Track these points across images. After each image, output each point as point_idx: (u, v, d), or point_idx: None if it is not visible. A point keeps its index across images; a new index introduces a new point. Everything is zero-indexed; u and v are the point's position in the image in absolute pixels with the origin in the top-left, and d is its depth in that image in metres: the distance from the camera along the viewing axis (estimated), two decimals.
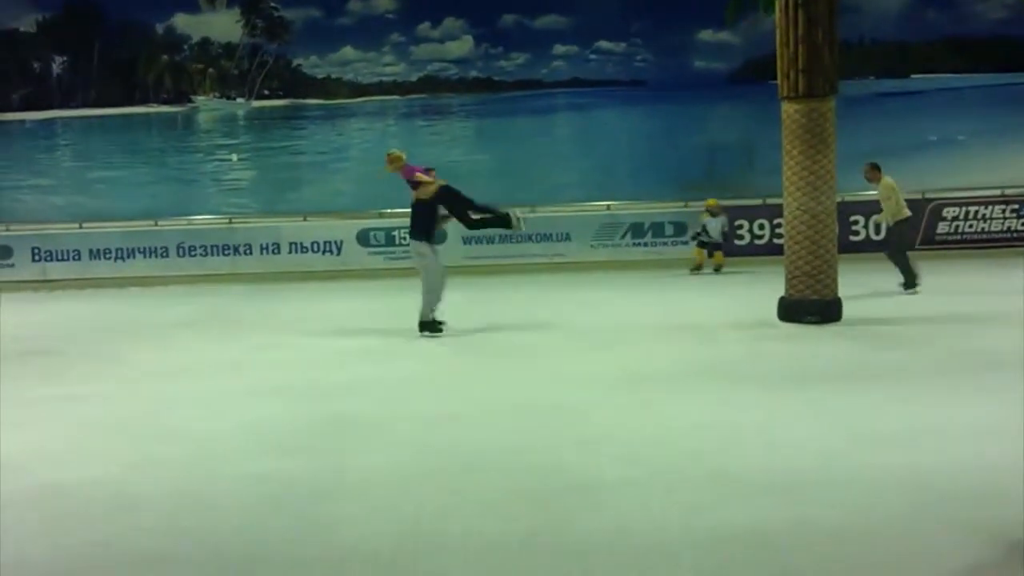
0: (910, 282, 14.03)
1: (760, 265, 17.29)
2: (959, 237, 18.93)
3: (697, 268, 17.44)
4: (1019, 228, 18.85)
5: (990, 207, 18.92)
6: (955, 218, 18.93)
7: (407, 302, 15.30)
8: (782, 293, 12.26)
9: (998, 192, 18.95)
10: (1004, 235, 18.84)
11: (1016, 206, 18.84)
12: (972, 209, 18.94)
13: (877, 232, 18.03)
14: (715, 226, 17.44)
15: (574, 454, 6.93)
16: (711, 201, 17.67)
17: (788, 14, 11.84)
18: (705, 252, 17.53)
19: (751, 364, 9.85)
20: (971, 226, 18.94)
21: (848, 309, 12.07)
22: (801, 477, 6.18)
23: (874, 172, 14.28)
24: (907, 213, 14.27)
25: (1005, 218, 18.87)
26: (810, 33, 11.72)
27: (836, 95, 11.96)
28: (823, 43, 11.74)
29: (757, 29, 19.89)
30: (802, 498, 5.81)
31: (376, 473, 6.68)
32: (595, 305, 14.54)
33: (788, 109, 11.99)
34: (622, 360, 10.27)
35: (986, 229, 18.92)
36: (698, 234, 17.72)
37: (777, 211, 17.92)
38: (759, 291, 13.70)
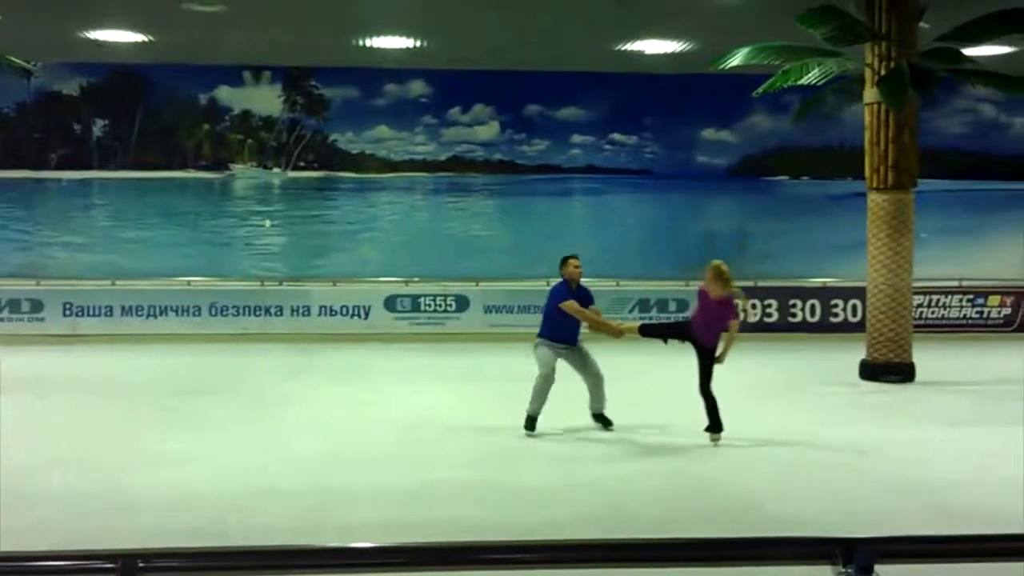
0: None
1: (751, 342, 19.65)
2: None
3: None
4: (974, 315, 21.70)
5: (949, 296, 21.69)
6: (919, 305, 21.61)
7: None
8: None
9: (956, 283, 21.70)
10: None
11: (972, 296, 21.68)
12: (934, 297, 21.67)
13: None
14: None
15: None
16: None
17: (879, 118, 14.18)
18: None
19: None
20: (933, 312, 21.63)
21: None
22: None
23: None
24: None
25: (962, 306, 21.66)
26: (899, 135, 14.09)
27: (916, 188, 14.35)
28: (909, 143, 14.13)
29: (751, 131, 22.47)
30: None
31: None
32: None
33: (877, 199, 14.28)
34: None
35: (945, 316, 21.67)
36: None
37: (772, 292, 20.43)
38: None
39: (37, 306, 20.35)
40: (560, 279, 11.47)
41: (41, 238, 21.35)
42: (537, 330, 11.38)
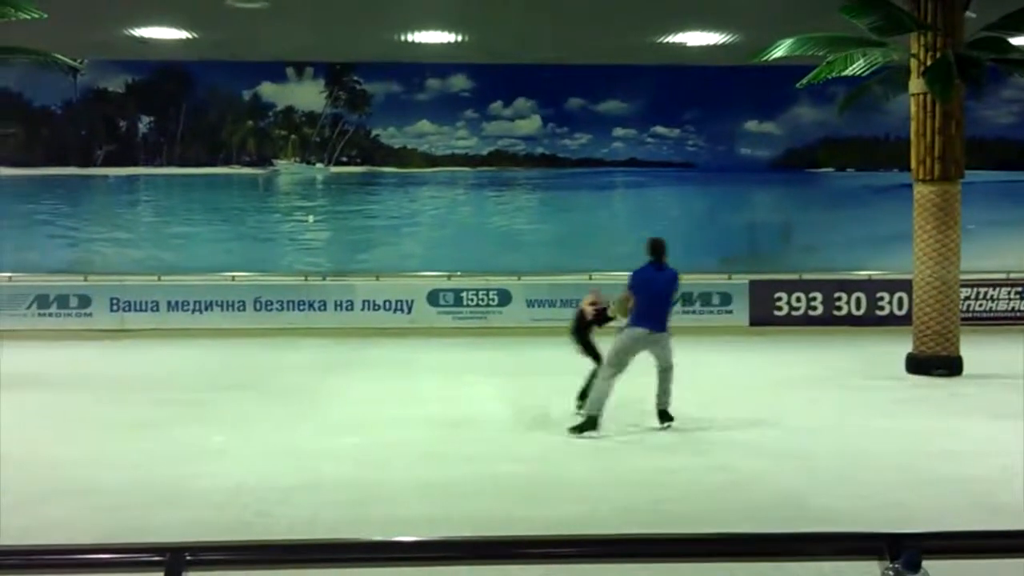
0: None
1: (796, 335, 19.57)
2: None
3: None
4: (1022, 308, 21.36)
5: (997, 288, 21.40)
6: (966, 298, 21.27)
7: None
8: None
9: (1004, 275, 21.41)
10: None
11: (1020, 288, 21.36)
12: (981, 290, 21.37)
13: None
14: None
15: None
16: None
17: (925, 109, 14.02)
18: None
19: None
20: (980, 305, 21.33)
21: None
22: None
23: None
24: None
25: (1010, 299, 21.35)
26: (945, 126, 13.92)
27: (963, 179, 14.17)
28: (955, 134, 13.96)
29: (795, 123, 22.29)
30: None
31: None
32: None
33: (923, 190, 14.12)
34: None
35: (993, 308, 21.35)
36: None
37: (817, 285, 20.17)
38: None
39: (85, 301, 20.59)
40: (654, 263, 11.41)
41: (88, 234, 21.63)
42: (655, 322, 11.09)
